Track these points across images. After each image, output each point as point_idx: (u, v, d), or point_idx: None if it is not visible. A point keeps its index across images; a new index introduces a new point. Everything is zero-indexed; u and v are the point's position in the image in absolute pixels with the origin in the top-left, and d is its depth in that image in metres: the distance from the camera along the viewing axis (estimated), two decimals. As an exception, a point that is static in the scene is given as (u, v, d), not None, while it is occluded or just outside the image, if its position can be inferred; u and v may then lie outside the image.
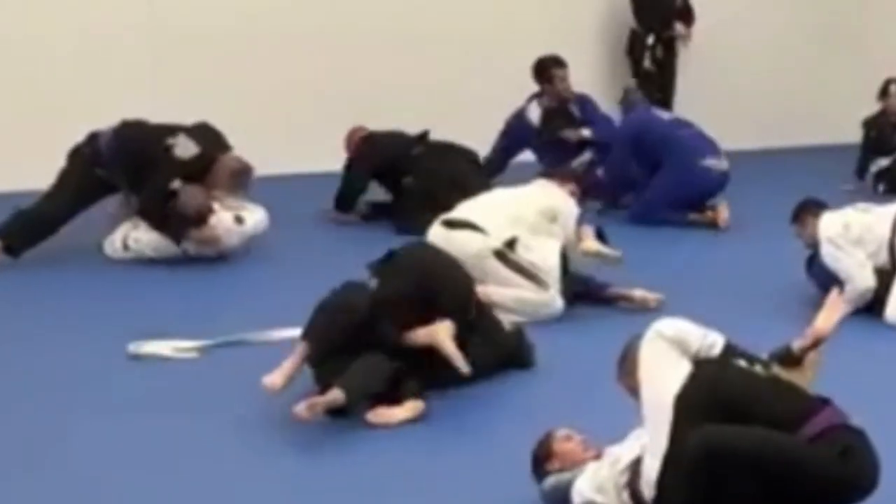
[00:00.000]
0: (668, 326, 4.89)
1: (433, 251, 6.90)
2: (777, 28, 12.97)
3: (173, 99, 10.42)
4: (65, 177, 8.71)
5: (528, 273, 7.59)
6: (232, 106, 10.83)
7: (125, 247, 8.78)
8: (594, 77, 12.12)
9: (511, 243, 7.65)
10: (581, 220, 7.97)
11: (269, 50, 11.23)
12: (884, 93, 11.34)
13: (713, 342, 4.93)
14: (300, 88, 11.14)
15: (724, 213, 10.02)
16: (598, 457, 5.08)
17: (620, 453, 4.98)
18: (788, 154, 11.32)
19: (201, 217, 8.61)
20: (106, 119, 8.86)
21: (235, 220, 8.74)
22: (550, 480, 5.11)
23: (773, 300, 7.95)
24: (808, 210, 7.98)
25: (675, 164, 10.06)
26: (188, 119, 8.99)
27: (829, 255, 7.68)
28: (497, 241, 7.64)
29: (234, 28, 11.18)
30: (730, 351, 4.95)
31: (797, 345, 5.08)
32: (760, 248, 9.11)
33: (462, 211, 7.88)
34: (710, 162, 10.10)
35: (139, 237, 8.76)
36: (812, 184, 9.80)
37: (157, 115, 9.07)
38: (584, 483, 4.97)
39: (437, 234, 7.71)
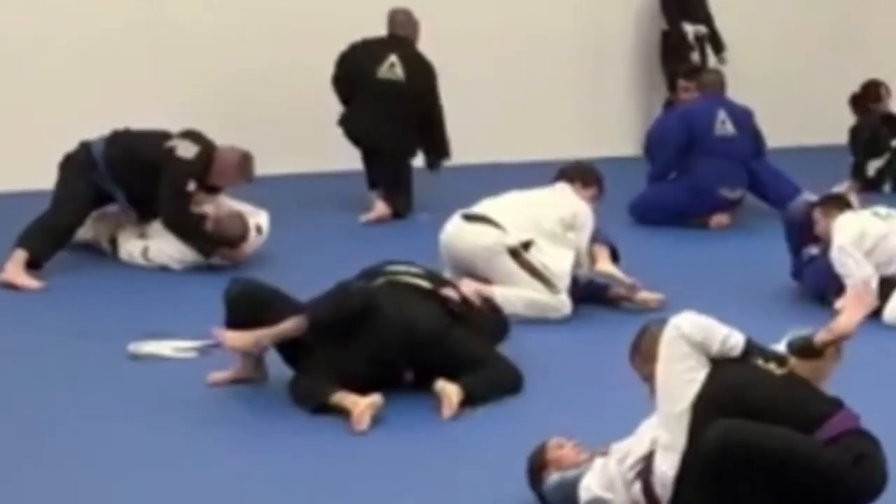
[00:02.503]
0: (690, 325, 4.84)
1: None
2: (777, 28, 12.96)
3: (173, 99, 10.42)
4: (65, 186, 8.53)
5: (539, 274, 7.58)
6: (233, 105, 10.84)
7: (145, 258, 8.63)
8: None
9: (527, 245, 7.65)
10: (596, 237, 7.90)
11: (269, 49, 11.21)
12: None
13: (734, 345, 4.88)
14: (300, 88, 11.12)
15: (720, 219, 9.98)
16: (604, 453, 5.05)
17: (629, 449, 4.95)
18: (788, 154, 11.29)
19: (242, 241, 8.58)
20: (106, 119, 8.83)
21: (257, 230, 8.71)
22: (554, 477, 5.08)
23: (773, 300, 7.95)
24: (833, 205, 7.97)
25: (696, 189, 9.90)
26: (188, 119, 8.98)
27: (838, 261, 7.66)
28: (513, 240, 7.65)
29: (235, 27, 11.16)
30: (749, 350, 4.91)
31: (819, 338, 4.96)
32: (760, 247, 9.10)
33: (482, 207, 7.90)
34: (727, 192, 9.99)
35: (161, 248, 8.60)
36: (812, 184, 9.82)
37: (156, 114, 9.06)
38: (593, 479, 4.96)
39: (453, 227, 7.81)
